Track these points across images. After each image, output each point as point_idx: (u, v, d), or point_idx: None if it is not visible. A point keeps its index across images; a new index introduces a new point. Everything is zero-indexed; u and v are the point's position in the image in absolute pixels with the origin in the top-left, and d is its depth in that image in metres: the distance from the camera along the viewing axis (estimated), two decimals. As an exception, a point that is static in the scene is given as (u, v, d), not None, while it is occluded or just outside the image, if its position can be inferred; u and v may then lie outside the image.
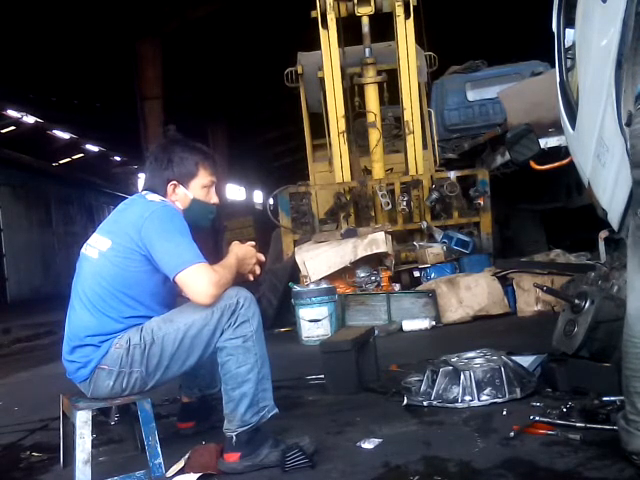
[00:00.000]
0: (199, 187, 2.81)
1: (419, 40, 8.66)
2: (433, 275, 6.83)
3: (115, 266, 2.60)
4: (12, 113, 21.37)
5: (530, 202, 8.60)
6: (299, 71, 9.18)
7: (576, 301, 3.01)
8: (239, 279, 2.74)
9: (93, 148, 27.94)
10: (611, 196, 3.30)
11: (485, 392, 3.06)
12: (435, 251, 6.99)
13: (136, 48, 15.66)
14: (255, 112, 24.32)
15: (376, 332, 4.35)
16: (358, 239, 6.62)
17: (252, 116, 24.63)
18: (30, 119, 22.17)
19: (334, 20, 7.82)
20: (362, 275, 6.60)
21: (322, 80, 8.30)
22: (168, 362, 2.58)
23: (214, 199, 2.87)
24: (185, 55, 17.50)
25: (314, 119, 9.43)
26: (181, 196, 2.79)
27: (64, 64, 17.22)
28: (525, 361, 3.45)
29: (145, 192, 2.80)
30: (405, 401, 3.19)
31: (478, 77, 11.50)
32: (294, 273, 6.80)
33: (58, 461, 2.90)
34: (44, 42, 15.62)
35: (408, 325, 5.87)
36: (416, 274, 7.13)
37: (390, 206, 7.41)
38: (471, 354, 3.33)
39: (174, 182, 2.77)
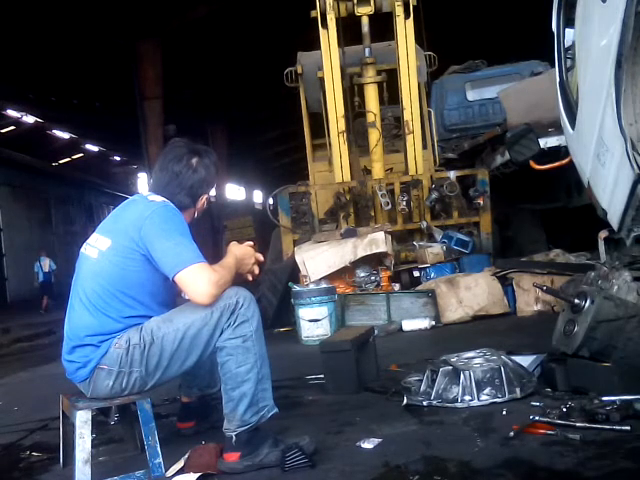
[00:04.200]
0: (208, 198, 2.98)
1: (419, 40, 8.66)
2: (433, 275, 6.82)
3: (115, 266, 2.60)
4: (12, 113, 21.40)
5: (530, 202, 8.60)
6: (299, 71, 9.18)
7: (576, 301, 3.01)
8: (238, 279, 2.74)
9: (93, 148, 27.98)
10: (611, 196, 3.29)
11: (485, 392, 3.06)
12: (435, 251, 6.99)
13: (136, 48, 15.66)
14: (255, 112, 24.33)
15: (376, 332, 4.35)
16: (358, 239, 6.62)
17: (252, 116, 24.65)
18: (30, 119, 22.21)
19: (334, 20, 7.82)
20: (362, 275, 6.60)
21: (322, 80, 8.30)
22: (168, 362, 2.58)
23: None
24: (185, 55, 17.50)
25: (314, 119, 9.43)
26: (200, 205, 2.89)
27: (64, 64, 17.23)
28: (525, 361, 3.45)
29: (148, 192, 2.80)
30: (405, 401, 3.19)
31: (478, 77, 11.50)
32: (294, 273, 6.80)
33: (58, 461, 2.90)
34: (44, 42, 15.63)
35: (408, 325, 5.87)
36: (416, 274, 7.13)
37: (390, 206, 7.41)
38: (471, 354, 3.33)
39: (207, 196, 2.91)
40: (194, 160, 2.80)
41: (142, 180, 29.35)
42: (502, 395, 3.05)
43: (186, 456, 2.65)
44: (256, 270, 2.84)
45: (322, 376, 3.82)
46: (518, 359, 3.40)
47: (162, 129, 15.94)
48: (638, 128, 3.02)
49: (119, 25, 15.21)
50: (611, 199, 3.27)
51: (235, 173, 29.14)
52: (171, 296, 2.75)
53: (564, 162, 4.72)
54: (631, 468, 2.20)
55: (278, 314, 6.82)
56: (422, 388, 3.25)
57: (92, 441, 2.52)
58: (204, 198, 2.88)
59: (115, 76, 17.85)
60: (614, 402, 2.66)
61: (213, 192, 3.41)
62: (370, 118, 8.07)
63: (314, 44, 8.32)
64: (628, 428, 2.45)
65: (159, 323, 2.59)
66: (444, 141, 10.87)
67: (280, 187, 8.07)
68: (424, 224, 7.51)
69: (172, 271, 2.50)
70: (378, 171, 8.06)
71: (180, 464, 2.61)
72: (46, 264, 19.28)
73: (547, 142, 6.56)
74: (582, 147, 3.61)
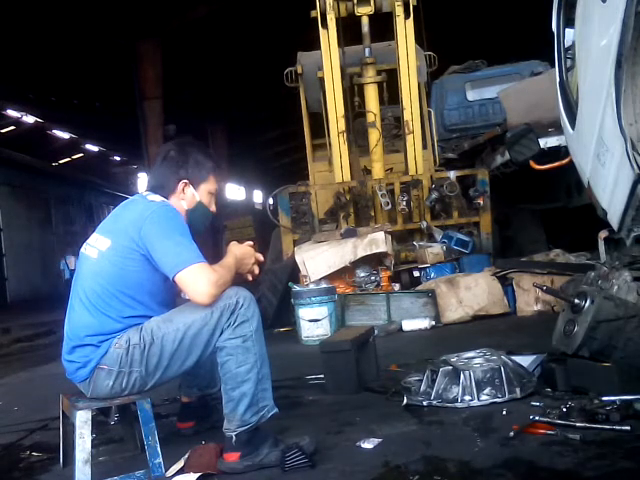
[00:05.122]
0: (206, 192, 2.86)
1: (419, 40, 8.66)
2: (433, 275, 6.82)
3: (114, 266, 2.60)
4: (12, 113, 21.38)
5: (530, 202, 8.60)
6: (299, 71, 9.18)
7: (576, 301, 3.01)
8: (238, 279, 2.74)
9: (93, 148, 27.96)
10: (611, 196, 3.30)
11: (485, 392, 3.06)
12: (435, 251, 6.99)
13: (136, 48, 15.64)
14: (255, 112, 24.31)
15: (376, 332, 4.35)
16: (358, 239, 6.62)
17: (252, 116, 24.62)
18: (30, 119, 22.18)
19: (334, 20, 7.82)
20: (362, 275, 6.60)
21: (322, 80, 8.30)
22: (168, 362, 2.58)
23: (213, 207, 2.92)
24: (185, 55, 17.49)
25: (314, 119, 9.43)
26: (189, 196, 2.82)
27: (64, 64, 17.22)
28: (525, 361, 3.45)
29: (147, 192, 2.80)
30: (405, 401, 3.19)
31: (478, 77, 11.50)
32: (294, 273, 6.80)
33: (58, 461, 2.90)
34: (44, 42, 15.62)
35: (408, 325, 5.87)
36: (416, 274, 7.13)
37: (390, 206, 7.41)
38: (471, 354, 3.33)
39: (185, 181, 2.80)
40: (172, 151, 2.83)
41: (142, 180, 29.34)
42: (502, 395, 3.05)
43: (186, 456, 2.65)
44: (256, 270, 2.84)
45: (322, 376, 3.82)
46: (518, 359, 3.40)
47: (162, 129, 15.93)
48: (638, 128, 3.02)
49: (119, 25, 15.20)
50: (611, 199, 3.28)
51: (235, 173, 29.11)
52: (171, 296, 2.75)
53: (564, 162, 4.72)
54: (631, 468, 2.20)
55: (278, 314, 6.82)
56: (422, 388, 3.25)
57: (92, 441, 2.52)
58: (183, 185, 2.78)
59: (115, 76, 17.83)
60: (614, 402, 2.66)
61: (211, 186, 3.23)
62: (370, 118, 8.07)
63: (314, 44, 8.32)
64: (628, 428, 2.45)
65: (159, 323, 2.59)
66: (444, 141, 10.87)
67: (280, 187, 8.07)
68: (424, 224, 7.51)
69: (172, 271, 2.50)
70: (378, 171, 8.06)
71: (180, 464, 2.62)
72: (72, 262, 20.00)
73: (547, 142, 6.56)
74: (582, 147, 3.61)
